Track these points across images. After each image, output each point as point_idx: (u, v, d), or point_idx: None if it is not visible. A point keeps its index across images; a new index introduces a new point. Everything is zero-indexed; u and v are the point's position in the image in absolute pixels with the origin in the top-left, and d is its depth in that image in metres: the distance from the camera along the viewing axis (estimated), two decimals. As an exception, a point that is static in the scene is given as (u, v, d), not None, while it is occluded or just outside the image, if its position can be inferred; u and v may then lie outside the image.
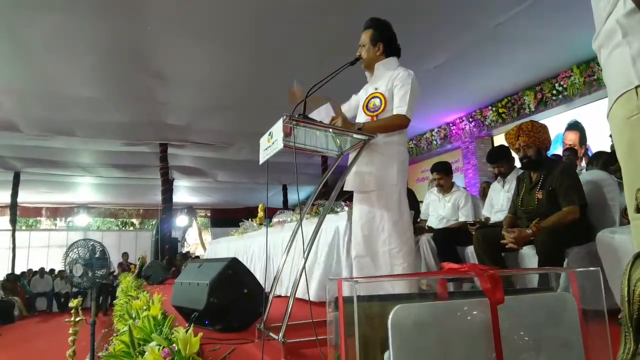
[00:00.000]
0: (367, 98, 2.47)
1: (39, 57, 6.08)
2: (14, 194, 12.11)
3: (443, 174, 3.91)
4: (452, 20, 5.49)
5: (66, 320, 3.33)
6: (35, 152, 10.31)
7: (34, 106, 7.75)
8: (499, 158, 3.45)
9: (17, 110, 7.86)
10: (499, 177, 3.55)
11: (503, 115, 8.35)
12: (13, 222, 12.50)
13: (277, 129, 2.04)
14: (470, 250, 3.07)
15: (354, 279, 0.79)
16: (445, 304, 0.89)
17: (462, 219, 3.64)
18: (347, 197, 2.71)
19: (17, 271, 12.19)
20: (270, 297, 2.25)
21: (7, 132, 8.72)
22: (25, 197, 13.24)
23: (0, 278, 11.23)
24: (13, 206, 12.33)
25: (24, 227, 17.26)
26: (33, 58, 6.11)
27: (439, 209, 3.89)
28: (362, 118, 2.45)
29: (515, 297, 0.91)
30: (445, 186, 3.89)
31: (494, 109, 8.51)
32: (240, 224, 6.80)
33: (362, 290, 0.79)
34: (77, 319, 3.32)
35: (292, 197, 15.83)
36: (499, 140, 8.81)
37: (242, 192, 15.48)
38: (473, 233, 2.86)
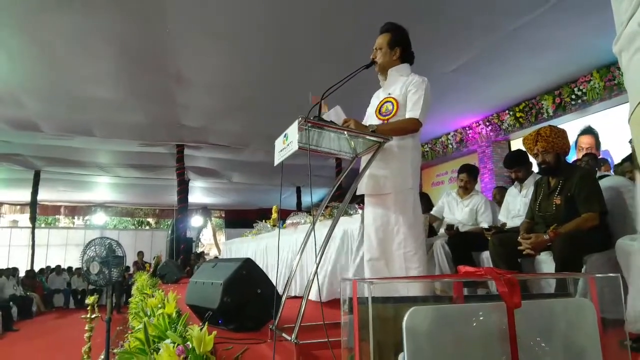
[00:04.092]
0: (380, 102, 2.47)
1: (61, 58, 6.21)
2: (34, 192, 12.37)
3: (471, 177, 3.85)
4: (470, 23, 5.44)
5: (82, 317, 3.39)
6: (55, 151, 10.53)
7: (54, 106, 7.91)
8: (516, 163, 3.40)
9: (38, 110, 8.03)
10: (515, 182, 3.50)
11: (521, 119, 8.25)
12: (33, 219, 12.78)
13: (293, 130, 2.05)
14: (485, 255, 3.03)
15: (369, 280, 0.78)
16: (461, 307, 0.88)
17: (482, 224, 3.58)
18: (360, 200, 2.70)
19: (36, 268, 12.46)
20: (283, 298, 2.25)
21: (28, 132, 8.93)
22: (45, 195, 13.52)
23: (20, 274, 11.46)
24: (33, 204, 12.61)
25: (43, 225, 17.58)
26: (55, 59, 6.24)
27: (456, 213, 3.84)
28: (374, 122, 2.45)
29: (532, 301, 0.90)
30: (469, 189, 3.84)
31: (511, 113, 8.41)
32: (254, 225, 6.84)
33: (377, 292, 0.79)
34: (93, 315, 3.38)
35: (306, 199, 15.85)
36: (516, 144, 8.70)
37: (256, 193, 15.57)
38: (489, 238, 2.83)
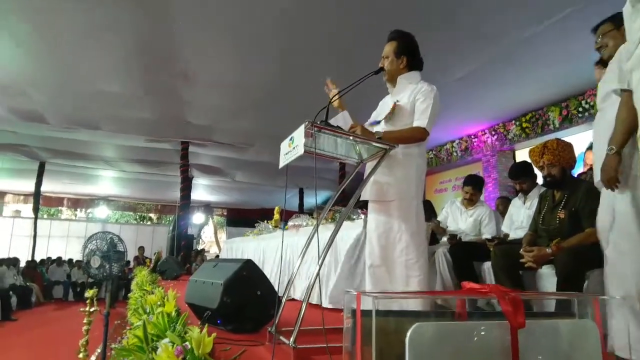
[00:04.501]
0: (388, 108, 2.47)
1: (69, 51, 6.23)
2: (38, 183, 12.43)
3: (476, 190, 3.83)
4: (478, 32, 5.44)
5: (81, 310, 3.39)
6: (61, 143, 10.57)
7: (61, 99, 7.94)
8: (521, 174, 3.39)
9: (45, 102, 8.06)
10: (520, 194, 3.49)
11: (527, 130, 8.23)
12: (35, 210, 12.83)
13: (299, 134, 2.05)
14: (487, 266, 3.02)
15: (373, 294, 0.78)
16: (464, 324, 0.87)
17: (485, 236, 3.57)
18: (362, 205, 2.70)
19: (37, 259, 12.50)
20: (283, 300, 2.25)
21: (35, 123, 8.97)
22: (49, 186, 13.56)
23: (21, 264, 11.50)
24: (36, 195, 12.66)
25: (45, 216, 17.65)
26: (62, 52, 6.26)
27: (459, 222, 3.82)
28: (380, 128, 2.45)
29: (535, 321, 0.89)
30: (474, 201, 3.82)
31: (517, 123, 8.39)
32: (255, 225, 6.84)
33: (380, 306, 0.79)
34: (92, 309, 3.38)
35: (308, 201, 15.86)
36: (521, 155, 8.67)
37: (258, 193, 15.58)
38: (491, 249, 2.82)
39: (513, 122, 8.49)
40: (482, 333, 0.83)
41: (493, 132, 9.02)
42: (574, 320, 0.99)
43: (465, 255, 3.20)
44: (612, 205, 1.97)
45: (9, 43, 5.97)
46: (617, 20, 2.09)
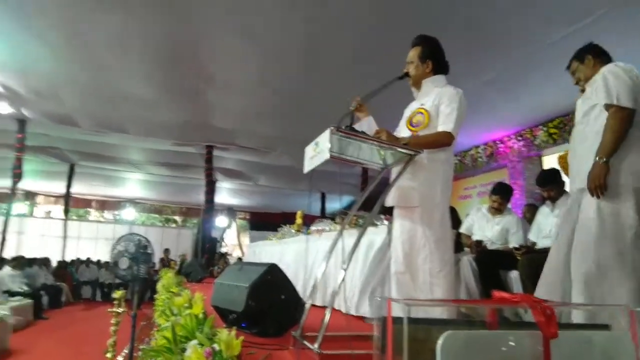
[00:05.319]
0: (412, 113, 2.46)
1: (99, 56, 6.44)
2: (68, 185, 12.81)
3: (504, 199, 3.76)
4: (506, 35, 5.36)
5: (109, 310, 3.48)
6: (90, 146, 10.90)
7: (91, 103, 8.19)
8: (549, 181, 3.33)
9: (76, 106, 8.34)
10: (547, 201, 3.42)
11: (554, 136, 8.03)
12: (66, 211, 13.24)
13: (324, 139, 2.06)
14: (514, 275, 2.97)
15: (405, 301, 0.78)
16: (495, 333, 0.87)
17: (512, 245, 3.50)
18: (385, 210, 2.68)
19: (67, 259, 12.88)
20: (308, 305, 2.26)
21: (66, 126, 9.29)
22: (78, 188, 13.96)
23: (52, 264, 11.87)
24: (66, 196, 13.05)
25: (74, 217, 18.15)
26: (93, 57, 6.47)
27: (485, 230, 3.74)
28: (405, 133, 2.44)
29: (568, 332, 0.87)
30: (501, 210, 3.74)
31: (544, 128, 8.21)
32: (278, 229, 6.89)
33: (411, 313, 0.79)
34: (120, 310, 3.46)
35: (330, 206, 15.86)
36: (549, 161, 8.48)
37: (280, 197, 15.67)
38: (518, 258, 2.77)
39: (540, 127, 8.31)
40: (513, 343, 0.82)
41: (519, 138, 8.85)
42: (608, 332, 0.97)
43: (492, 264, 3.16)
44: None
45: (43, 50, 6.21)
46: (578, 57, 2.46)
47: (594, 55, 2.38)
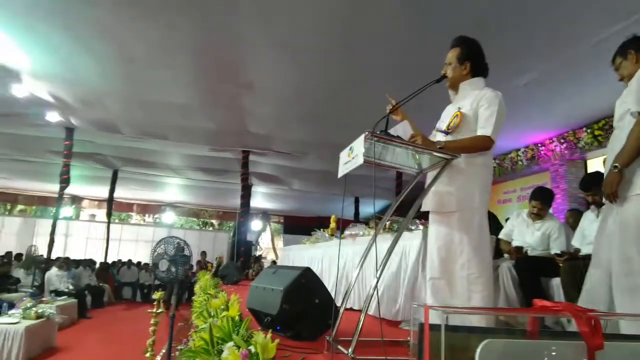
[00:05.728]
0: (449, 117, 2.41)
1: (142, 65, 6.69)
2: (111, 190, 13.36)
3: (545, 205, 3.60)
4: (547, 35, 5.19)
5: (149, 311, 3.60)
6: (132, 152, 11.33)
7: (133, 110, 8.51)
8: (594, 186, 3.18)
9: (119, 113, 8.70)
10: (592, 206, 3.27)
11: (599, 138, 7.69)
12: (109, 215, 13.81)
13: (358, 144, 2.06)
14: (556, 282, 2.86)
15: (443, 308, 0.77)
16: (535, 342, 0.84)
17: (554, 251, 3.36)
18: (420, 215, 2.64)
19: (109, 261, 13.41)
20: (342, 310, 2.26)
21: (110, 133, 9.71)
22: (120, 193, 14.52)
23: (95, 265, 12.38)
24: (110, 201, 13.62)
25: (116, 221, 18.86)
26: (135, 67, 6.73)
27: (526, 236, 3.61)
28: (441, 137, 2.39)
29: (614, 343, 0.83)
30: (542, 216, 3.60)
31: (588, 130, 7.87)
32: (312, 233, 6.91)
33: (445, 319, 0.78)
34: (159, 310, 3.58)
35: (364, 210, 15.79)
36: (593, 164, 8.13)
37: (314, 201, 15.75)
38: (560, 264, 2.67)
39: (584, 129, 7.97)
40: (557, 352, 0.79)
41: (562, 140, 8.52)
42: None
43: (532, 270, 3.05)
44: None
45: (89, 60, 6.51)
46: (621, 52, 2.30)
47: (637, 50, 2.22)
